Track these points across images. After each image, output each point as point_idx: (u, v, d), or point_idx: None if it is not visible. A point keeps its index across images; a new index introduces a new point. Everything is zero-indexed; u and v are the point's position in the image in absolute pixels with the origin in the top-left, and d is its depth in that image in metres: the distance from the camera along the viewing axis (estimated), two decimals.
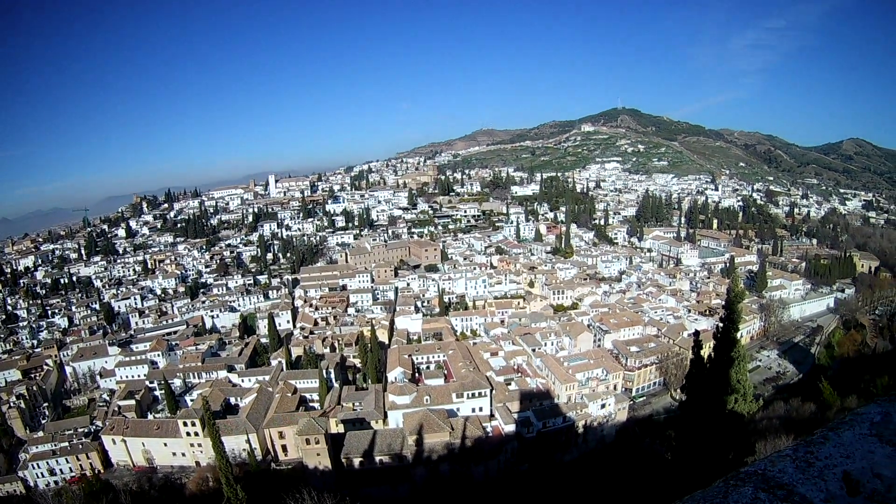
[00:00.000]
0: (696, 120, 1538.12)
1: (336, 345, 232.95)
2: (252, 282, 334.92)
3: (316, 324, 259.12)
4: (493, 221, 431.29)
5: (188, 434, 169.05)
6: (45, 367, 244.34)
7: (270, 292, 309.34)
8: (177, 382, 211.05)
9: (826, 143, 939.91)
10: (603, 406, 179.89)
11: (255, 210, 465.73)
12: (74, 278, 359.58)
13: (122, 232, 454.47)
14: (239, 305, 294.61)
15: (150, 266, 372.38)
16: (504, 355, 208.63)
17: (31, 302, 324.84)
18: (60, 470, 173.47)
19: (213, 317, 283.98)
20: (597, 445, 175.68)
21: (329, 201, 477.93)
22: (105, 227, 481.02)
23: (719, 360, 47.59)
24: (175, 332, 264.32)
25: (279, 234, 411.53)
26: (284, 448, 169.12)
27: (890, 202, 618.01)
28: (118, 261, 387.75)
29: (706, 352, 49.86)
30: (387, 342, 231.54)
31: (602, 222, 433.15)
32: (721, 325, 48.37)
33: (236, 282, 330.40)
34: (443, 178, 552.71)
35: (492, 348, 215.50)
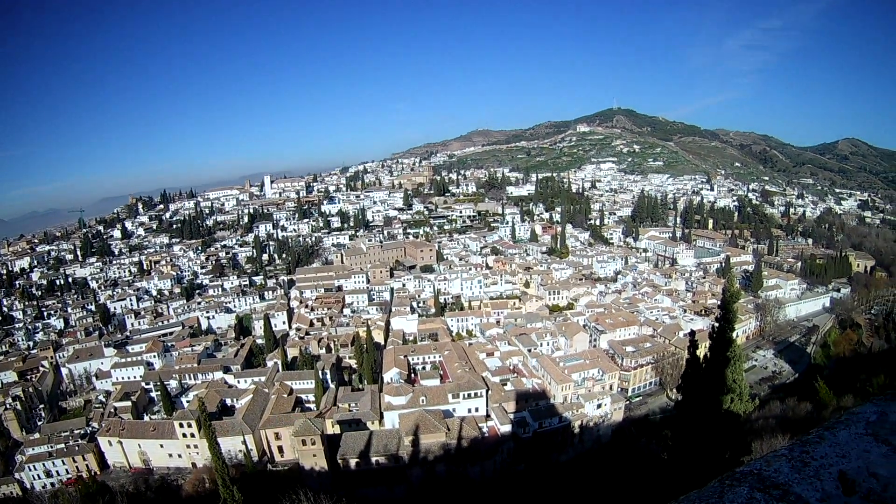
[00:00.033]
0: (691, 120, 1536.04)
1: (332, 346, 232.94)
2: (248, 283, 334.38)
3: (312, 325, 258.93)
4: (489, 222, 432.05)
5: (184, 435, 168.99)
6: (42, 369, 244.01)
7: (266, 293, 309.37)
8: (173, 384, 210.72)
9: (822, 142, 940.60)
10: (599, 406, 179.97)
11: (251, 211, 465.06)
12: (70, 279, 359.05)
13: (117, 233, 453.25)
14: (235, 306, 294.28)
15: (145, 267, 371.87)
16: (500, 356, 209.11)
17: (26, 303, 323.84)
18: (57, 472, 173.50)
19: (208, 318, 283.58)
20: (593, 445, 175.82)
21: (324, 202, 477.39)
22: (101, 228, 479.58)
23: (715, 359, 47.65)
24: (171, 334, 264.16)
25: (275, 235, 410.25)
26: (281, 449, 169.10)
27: (885, 202, 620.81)
28: (114, 262, 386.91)
29: (702, 352, 49.87)
30: (382, 343, 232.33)
31: (597, 222, 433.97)
32: (717, 324, 48.44)
33: (232, 283, 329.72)
34: (438, 178, 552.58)
35: (487, 349, 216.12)
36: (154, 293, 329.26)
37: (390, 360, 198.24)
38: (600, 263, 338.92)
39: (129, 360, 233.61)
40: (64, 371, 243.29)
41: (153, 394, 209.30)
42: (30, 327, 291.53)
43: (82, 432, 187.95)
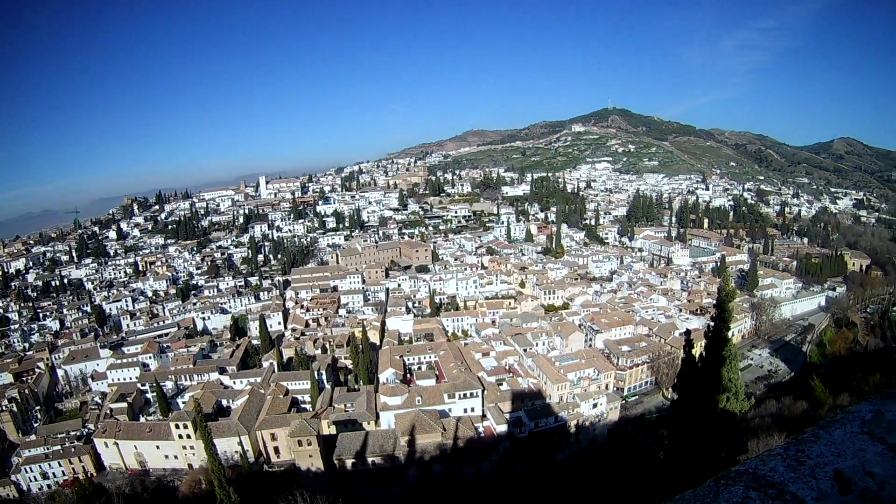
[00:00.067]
0: (686, 120, 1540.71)
1: (327, 346, 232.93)
2: (243, 283, 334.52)
3: (307, 325, 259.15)
4: (484, 222, 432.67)
5: (180, 436, 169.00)
6: (37, 371, 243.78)
7: (261, 294, 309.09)
8: (168, 385, 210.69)
9: (817, 142, 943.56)
10: (595, 405, 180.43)
11: (246, 211, 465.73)
12: (66, 281, 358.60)
13: (112, 234, 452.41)
14: (230, 307, 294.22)
15: (141, 268, 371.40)
16: (495, 355, 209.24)
17: (22, 305, 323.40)
18: (53, 473, 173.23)
19: (204, 318, 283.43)
20: (589, 445, 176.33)
21: (320, 202, 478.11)
22: (96, 229, 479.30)
23: (711, 358, 47.87)
24: (166, 335, 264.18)
25: (270, 236, 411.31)
26: (277, 450, 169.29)
27: (881, 201, 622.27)
28: (109, 263, 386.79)
29: (697, 351, 50.13)
30: (378, 343, 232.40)
31: (593, 222, 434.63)
32: (712, 324, 48.69)
33: (227, 283, 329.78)
34: (433, 178, 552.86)
35: (483, 349, 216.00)
36: (149, 294, 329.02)
37: (386, 361, 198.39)
38: (596, 263, 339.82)
39: (124, 361, 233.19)
40: (60, 372, 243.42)
41: (149, 395, 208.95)
42: (25, 329, 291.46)
43: (78, 434, 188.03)
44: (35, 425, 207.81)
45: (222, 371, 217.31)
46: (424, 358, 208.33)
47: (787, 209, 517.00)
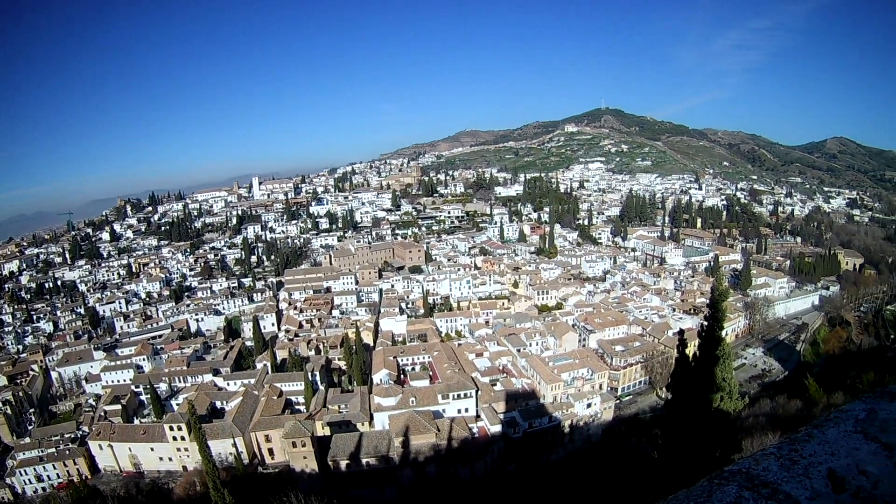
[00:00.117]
0: (679, 120, 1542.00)
1: (321, 347, 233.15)
2: (236, 284, 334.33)
3: (301, 326, 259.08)
4: (477, 222, 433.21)
5: (174, 438, 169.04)
6: (31, 373, 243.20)
7: (255, 295, 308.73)
8: (162, 387, 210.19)
9: (810, 141, 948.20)
10: (589, 405, 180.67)
11: (239, 212, 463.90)
12: (59, 283, 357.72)
13: (106, 235, 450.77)
14: (223, 308, 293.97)
15: (134, 269, 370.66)
16: (489, 356, 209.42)
17: (15, 307, 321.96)
18: (48, 476, 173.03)
19: (197, 320, 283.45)
20: (583, 445, 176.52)
21: (313, 203, 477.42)
22: (89, 230, 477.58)
23: (704, 358, 47.76)
24: (160, 336, 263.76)
25: (263, 237, 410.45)
26: (271, 451, 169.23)
27: (874, 200, 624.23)
28: (103, 265, 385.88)
29: (691, 350, 49.89)
30: (372, 344, 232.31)
31: (586, 222, 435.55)
32: (706, 323, 48.49)
33: (221, 285, 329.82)
34: (426, 179, 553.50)
35: (477, 349, 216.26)
36: (143, 296, 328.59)
37: (379, 362, 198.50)
38: (589, 263, 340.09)
39: (118, 363, 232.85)
40: (54, 375, 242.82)
41: (143, 397, 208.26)
42: (19, 331, 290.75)
43: (73, 436, 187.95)
44: (29, 428, 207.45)
45: (216, 373, 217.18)
46: (418, 359, 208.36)
47: (780, 209, 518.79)
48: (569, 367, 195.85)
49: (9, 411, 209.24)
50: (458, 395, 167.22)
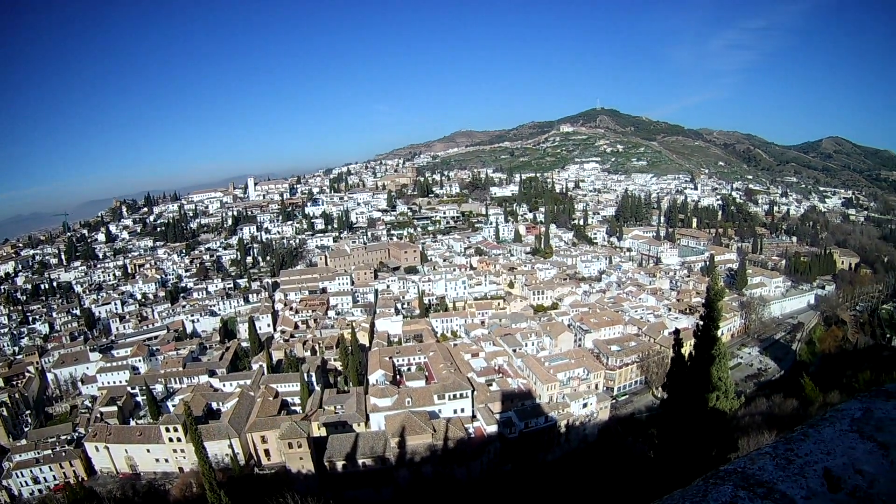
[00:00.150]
0: (674, 120, 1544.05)
1: (317, 348, 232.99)
2: (232, 285, 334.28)
3: (296, 327, 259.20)
4: (473, 223, 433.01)
5: (171, 440, 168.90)
6: (27, 374, 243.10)
7: (250, 296, 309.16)
8: (158, 388, 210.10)
9: (805, 141, 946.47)
10: (585, 405, 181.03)
11: (235, 213, 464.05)
12: (55, 284, 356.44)
13: (101, 236, 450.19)
14: (219, 309, 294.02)
15: (130, 271, 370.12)
16: (485, 356, 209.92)
17: (11, 308, 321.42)
18: (44, 478, 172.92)
19: (193, 321, 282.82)
20: (579, 445, 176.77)
21: (308, 204, 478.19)
22: (85, 231, 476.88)
23: (700, 357, 47.97)
24: (156, 337, 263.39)
25: (258, 238, 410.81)
26: (267, 452, 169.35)
27: (869, 199, 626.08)
28: (98, 266, 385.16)
29: (687, 350, 50.11)
30: (367, 344, 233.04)
31: (581, 222, 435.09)
32: (701, 323, 48.77)
33: (216, 286, 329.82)
34: (422, 179, 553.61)
35: (472, 349, 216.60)
36: (139, 297, 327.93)
37: (375, 362, 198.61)
38: (584, 263, 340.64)
39: (114, 364, 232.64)
40: (50, 376, 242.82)
41: (139, 398, 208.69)
42: (15, 332, 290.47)
43: (69, 438, 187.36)
44: (26, 430, 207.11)
45: (212, 374, 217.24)
46: (414, 359, 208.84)
47: (775, 208, 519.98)
48: (565, 367, 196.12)
49: (5, 413, 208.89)
50: (454, 396, 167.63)
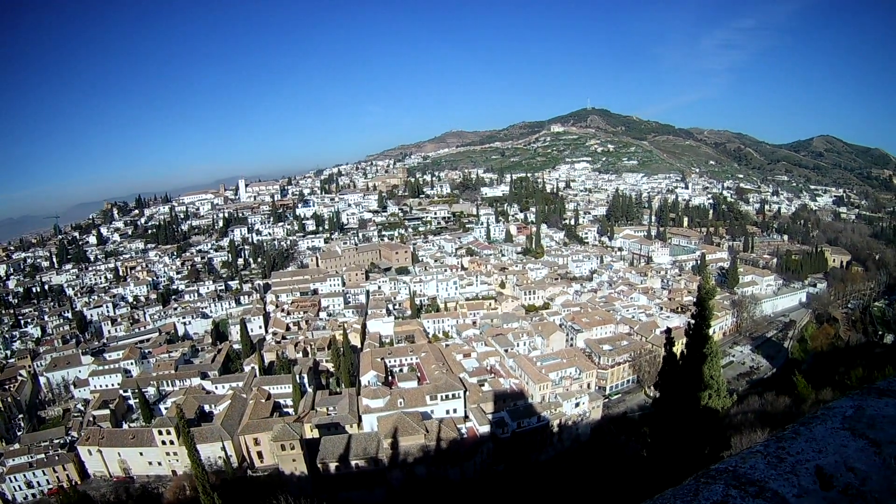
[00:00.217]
0: (665, 119, 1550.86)
1: (308, 349, 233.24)
2: (223, 287, 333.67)
3: (288, 329, 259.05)
4: (464, 223, 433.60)
5: (163, 443, 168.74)
6: (20, 378, 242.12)
7: (242, 298, 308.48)
8: (150, 391, 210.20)
9: (796, 140, 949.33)
10: (577, 405, 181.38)
11: (226, 215, 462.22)
12: (46, 287, 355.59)
13: (93, 239, 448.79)
14: (211, 311, 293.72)
15: (121, 273, 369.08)
16: (477, 356, 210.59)
17: (3, 312, 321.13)
18: (38, 482, 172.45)
19: (185, 323, 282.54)
20: (572, 444, 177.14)
21: (299, 205, 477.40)
22: (76, 234, 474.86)
23: (692, 356, 47.92)
24: (148, 340, 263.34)
25: (250, 239, 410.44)
26: (260, 454, 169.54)
27: (860, 197, 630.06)
28: (90, 268, 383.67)
29: (679, 348, 49.88)
30: (359, 346, 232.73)
31: (572, 222, 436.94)
32: (693, 321, 48.53)
33: (208, 288, 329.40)
34: (412, 180, 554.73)
35: (464, 350, 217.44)
36: (130, 299, 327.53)
37: (367, 363, 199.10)
38: (576, 263, 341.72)
39: (106, 367, 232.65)
40: (42, 380, 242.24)
41: (131, 401, 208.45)
42: (7, 336, 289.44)
43: (62, 442, 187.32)
44: (18, 434, 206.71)
45: (204, 376, 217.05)
46: (406, 360, 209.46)
47: (766, 207, 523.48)
48: (556, 366, 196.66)
49: None
50: (447, 396, 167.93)
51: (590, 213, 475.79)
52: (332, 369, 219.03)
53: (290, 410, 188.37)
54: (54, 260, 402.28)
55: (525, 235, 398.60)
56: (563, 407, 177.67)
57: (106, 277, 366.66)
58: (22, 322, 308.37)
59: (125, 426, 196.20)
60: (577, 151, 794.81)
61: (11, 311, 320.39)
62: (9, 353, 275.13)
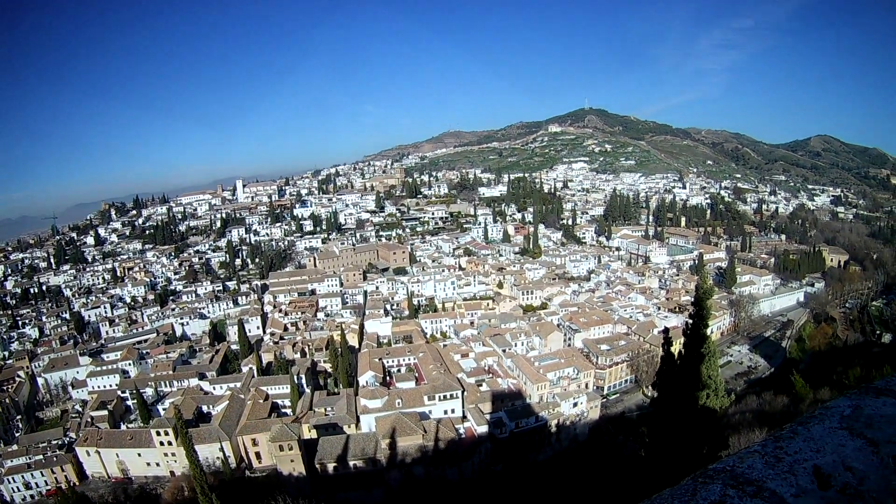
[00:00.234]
0: (663, 119, 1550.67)
1: (306, 350, 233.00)
2: (221, 288, 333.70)
3: (286, 329, 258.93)
4: (461, 223, 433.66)
5: (162, 444, 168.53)
6: (17, 379, 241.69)
7: (240, 298, 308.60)
8: (148, 391, 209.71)
9: (794, 139, 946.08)
10: (575, 405, 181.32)
11: (223, 215, 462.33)
12: (44, 288, 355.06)
13: (90, 240, 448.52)
14: (209, 312, 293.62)
15: (119, 274, 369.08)
16: (475, 356, 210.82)
17: (1, 313, 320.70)
18: (36, 483, 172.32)
19: (182, 324, 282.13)
20: (570, 444, 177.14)
21: (297, 205, 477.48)
22: (74, 235, 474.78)
23: (690, 356, 47.93)
24: (145, 341, 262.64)
25: (247, 240, 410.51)
26: (258, 455, 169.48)
27: (858, 197, 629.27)
28: (87, 269, 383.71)
29: (676, 348, 49.90)
30: (357, 346, 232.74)
31: (570, 222, 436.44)
32: (691, 321, 48.61)
33: (205, 288, 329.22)
34: (410, 180, 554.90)
35: (462, 350, 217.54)
36: (128, 300, 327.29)
37: (365, 364, 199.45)
38: (573, 263, 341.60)
39: (104, 368, 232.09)
40: (40, 381, 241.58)
41: (129, 402, 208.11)
42: (4, 337, 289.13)
43: (60, 443, 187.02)
44: (16, 435, 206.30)
45: (202, 377, 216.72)
46: (403, 360, 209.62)
47: (764, 207, 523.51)
48: (554, 366, 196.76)
49: None
50: (445, 396, 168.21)
51: (587, 213, 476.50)
52: (329, 370, 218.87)
53: (288, 411, 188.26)
54: (52, 261, 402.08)
55: (523, 235, 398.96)
56: (560, 407, 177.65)
57: (104, 278, 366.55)
58: (20, 323, 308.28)
59: (123, 427, 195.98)
60: (575, 151, 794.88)
61: (9, 312, 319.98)
62: (7, 353, 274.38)
